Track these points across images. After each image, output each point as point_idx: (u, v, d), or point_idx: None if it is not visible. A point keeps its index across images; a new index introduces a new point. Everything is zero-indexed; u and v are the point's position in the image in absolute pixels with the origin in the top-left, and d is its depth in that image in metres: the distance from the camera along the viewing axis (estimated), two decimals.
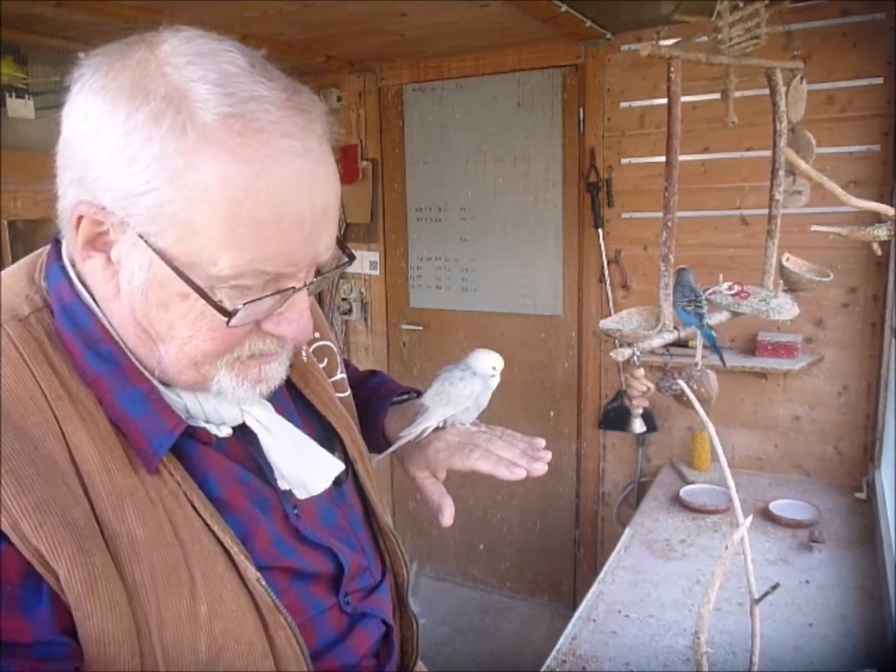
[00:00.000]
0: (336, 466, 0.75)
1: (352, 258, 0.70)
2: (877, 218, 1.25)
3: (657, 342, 1.18)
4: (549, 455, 0.84)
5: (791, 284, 1.38)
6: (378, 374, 1.06)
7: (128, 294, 0.61)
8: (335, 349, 0.92)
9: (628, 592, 1.69)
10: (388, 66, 2.94)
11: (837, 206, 1.34)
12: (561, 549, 2.97)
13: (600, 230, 2.64)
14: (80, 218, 0.59)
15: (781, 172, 1.33)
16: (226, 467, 0.69)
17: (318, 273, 0.66)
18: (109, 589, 0.57)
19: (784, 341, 2.32)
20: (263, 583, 0.65)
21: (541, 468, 0.82)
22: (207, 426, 0.68)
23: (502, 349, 0.93)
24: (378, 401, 0.97)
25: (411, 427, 0.89)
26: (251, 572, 0.65)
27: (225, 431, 0.69)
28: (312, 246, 0.61)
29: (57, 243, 0.67)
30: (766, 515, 2.03)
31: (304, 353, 0.84)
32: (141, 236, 0.57)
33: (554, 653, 1.47)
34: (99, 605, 0.56)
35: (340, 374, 0.91)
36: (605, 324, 1.22)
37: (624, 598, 1.66)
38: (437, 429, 0.91)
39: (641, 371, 1.22)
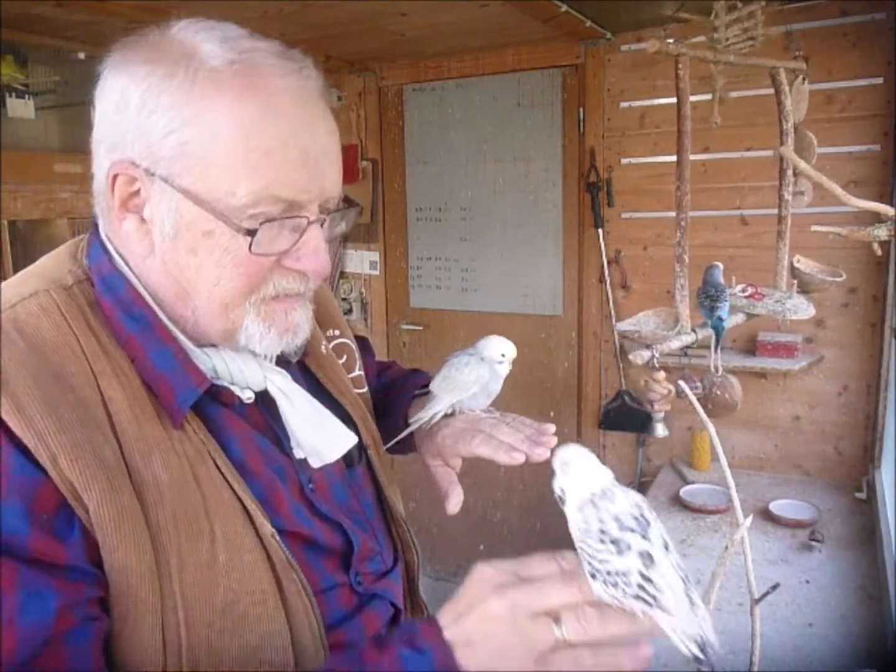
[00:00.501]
0: (350, 438, 0.78)
1: (357, 205, 0.75)
2: (877, 218, 1.25)
3: (675, 344, 1.17)
4: (554, 440, 0.82)
5: (803, 286, 1.38)
6: (415, 372, 1.06)
7: (160, 246, 0.66)
8: (353, 347, 0.94)
9: None
10: (388, 66, 2.94)
11: (837, 206, 1.34)
12: (561, 549, 2.97)
13: (600, 230, 2.64)
14: (115, 178, 0.64)
15: (790, 172, 1.32)
16: (246, 433, 0.72)
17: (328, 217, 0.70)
18: (134, 526, 0.60)
19: (784, 341, 2.32)
20: (278, 538, 0.68)
21: (541, 453, 0.80)
22: (232, 388, 0.71)
23: None
24: (404, 394, 0.99)
25: (420, 413, 0.90)
26: (267, 528, 0.67)
27: (248, 395, 0.71)
28: (319, 177, 0.66)
29: (96, 227, 0.72)
30: (766, 515, 2.03)
31: (323, 347, 0.86)
32: (165, 180, 0.63)
33: None
34: (124, 539, 0.60)
35: (358, 371, 0.93)
36: (622, 326, 1.21)
37: None
38: (447, 415, 0.90)
39: (662, 374, 1.19)
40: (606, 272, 2.66)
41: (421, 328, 3.14)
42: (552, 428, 0.84)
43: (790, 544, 1.89)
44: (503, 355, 0.90)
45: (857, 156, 2.21)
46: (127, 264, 0.69)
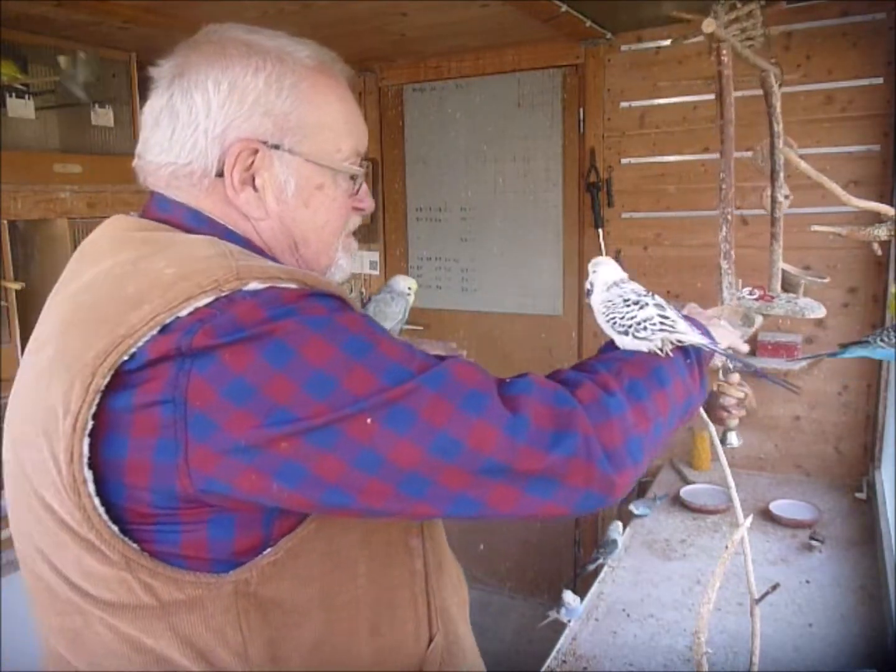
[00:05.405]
0: None
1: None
2: (877, 218, 1.25)
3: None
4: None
5: (789, 287, 1.37)
6: None
7: (275, 208, 0.79)
8: None
9: (628, 592, 1.69)
10: (388, 66, 2.94)
11: (837, 206, 1.34)
12: (561, 549, 2.97)
13: (600, 230, 2.63)
14: (238, 156, 0.76)
15: (782, 174, 1.32)
16: None
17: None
18: None
19: (784, 341, 2.32)
20: None
21: None
22: None
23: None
24: None
25: None
26: None
27: None
28: (366, 136, 0.87)
29: (183, 210, 0.78)
30: (767, 515, 2.03)
31: None
32: (290, 149, 0.78)
33: (554, 653, 1.47)
34: None
35: None
36: None
37: (624, 598, 1.66)
38: None
39: (737, 377, 1.11)
40: None
41: (421, 328, 3.14)
42: (454, 345, 1.13)
43: (790, 544, 1.89)
44: (409, 288, 1.22)
45: (857, 156, 2.21)
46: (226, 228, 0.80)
